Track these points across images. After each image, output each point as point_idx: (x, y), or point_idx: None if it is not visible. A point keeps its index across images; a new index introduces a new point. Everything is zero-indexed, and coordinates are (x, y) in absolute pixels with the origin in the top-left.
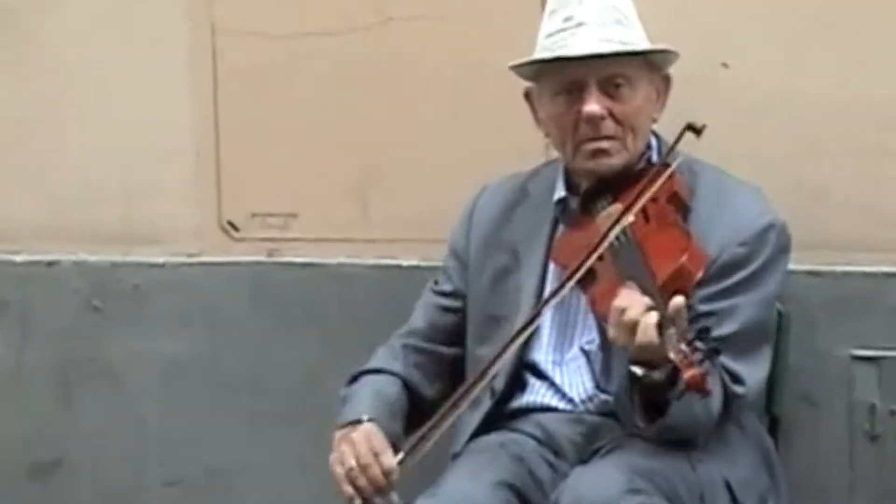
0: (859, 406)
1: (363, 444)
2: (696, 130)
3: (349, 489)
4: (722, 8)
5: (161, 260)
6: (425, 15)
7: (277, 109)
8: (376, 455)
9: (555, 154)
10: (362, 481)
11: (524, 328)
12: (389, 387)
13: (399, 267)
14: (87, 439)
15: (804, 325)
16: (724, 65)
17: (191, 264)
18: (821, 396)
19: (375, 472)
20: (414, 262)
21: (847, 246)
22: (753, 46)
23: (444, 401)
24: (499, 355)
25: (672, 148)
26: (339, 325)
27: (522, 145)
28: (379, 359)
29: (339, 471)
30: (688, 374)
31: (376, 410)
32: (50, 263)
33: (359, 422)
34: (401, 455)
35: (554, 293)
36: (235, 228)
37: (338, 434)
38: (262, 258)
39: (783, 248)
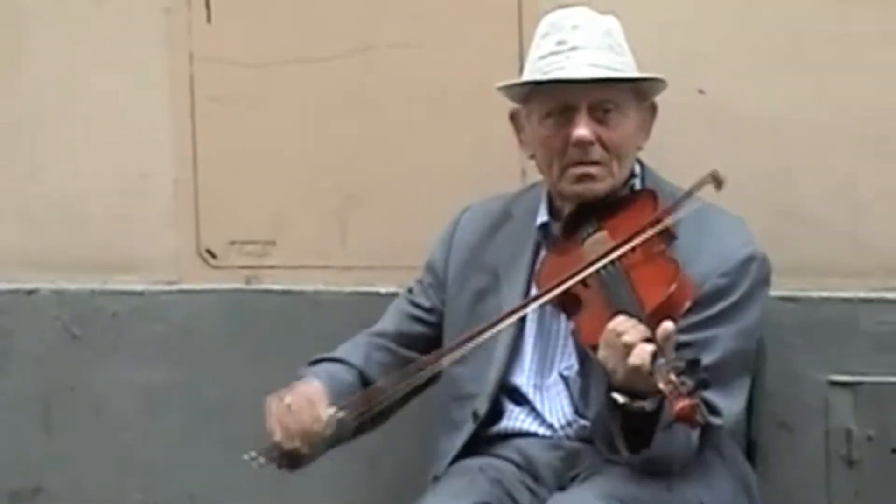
0: (836, 431)
1: (302, 390)
2: (718, 182)
3: (274, 424)
4: (698, 35)
5: (140, 288)
6: (404, 43)
7: (255, 137)
8: (311, 402)
9: (531, 180)
10: (288, 419)
11: (501, 319)
12: (345, 374)
13: (377, 294)
14: (67, 466)
15: (781, 351)
16: (701, 91)
17: (169, 292)
18: (797, 422)
19: (305, 416)
20: (392, 289)
21: (823, 271)
22: (729, 72)
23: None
24: (470, 337)
25: (689, 193)
26: (317, 351)
27: (499, 172)
28: (341, 350)
29: (272, 406)
30: (678, 405)
31: (327, 386)
32: (30, 292)
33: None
34: (333, 409)
35: (537, 297)
36: (214, 256)
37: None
38: (241, 285)
39: (764, 280)
